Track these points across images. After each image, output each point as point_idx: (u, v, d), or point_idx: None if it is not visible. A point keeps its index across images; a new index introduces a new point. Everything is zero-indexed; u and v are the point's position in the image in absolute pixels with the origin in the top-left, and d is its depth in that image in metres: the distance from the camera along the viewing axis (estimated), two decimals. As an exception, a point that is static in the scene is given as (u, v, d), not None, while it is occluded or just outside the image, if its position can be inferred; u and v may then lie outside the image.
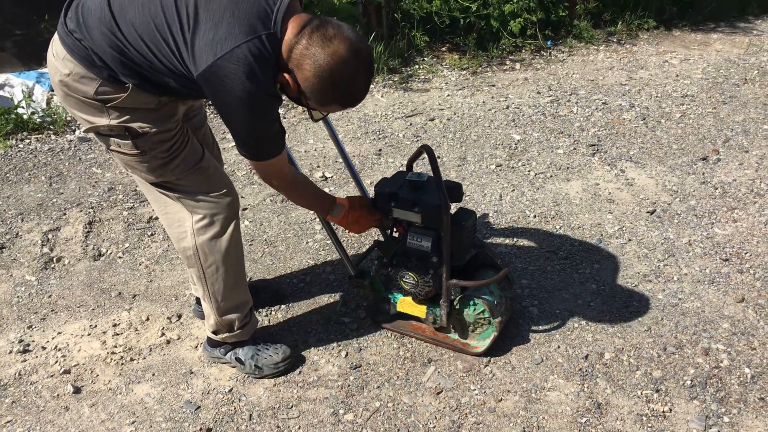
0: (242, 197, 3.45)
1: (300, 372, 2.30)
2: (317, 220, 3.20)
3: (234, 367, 2.30)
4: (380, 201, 2.27)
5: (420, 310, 2.35)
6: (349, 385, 2.24)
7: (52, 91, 4.43)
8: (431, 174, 2.16)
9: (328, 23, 1.74)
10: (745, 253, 2.85)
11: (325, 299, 2.67)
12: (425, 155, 2.11)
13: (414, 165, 2.44)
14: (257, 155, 1.90)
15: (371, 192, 2.40)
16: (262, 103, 1.76)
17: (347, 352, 2.38)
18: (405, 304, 2.38)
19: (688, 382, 2.20)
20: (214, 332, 2.25)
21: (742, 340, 2.37)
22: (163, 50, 1.77)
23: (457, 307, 2.30)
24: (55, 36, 1.88)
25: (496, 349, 2.33)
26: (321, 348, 2.40)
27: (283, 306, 2.62)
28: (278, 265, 2.90)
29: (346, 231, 3.08)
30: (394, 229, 2.39)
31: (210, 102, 1.83)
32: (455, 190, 2.27)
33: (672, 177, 3.50)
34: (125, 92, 1.84)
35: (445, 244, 2.14)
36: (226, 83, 1.70)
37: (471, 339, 2.35)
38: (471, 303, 2.28)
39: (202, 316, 2.49)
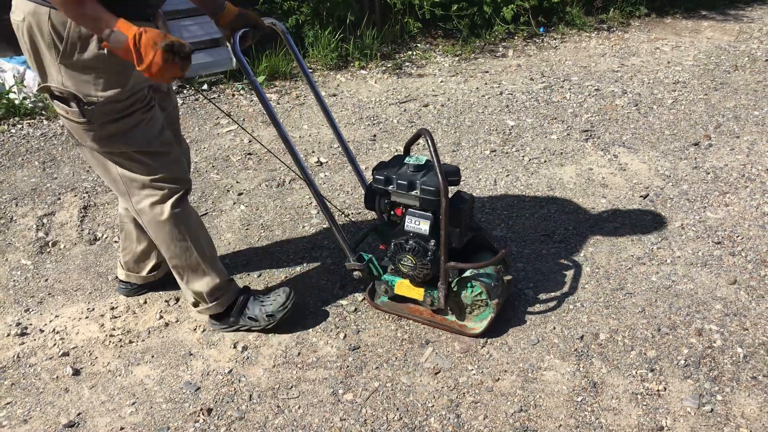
0: (237, 182, 3.46)
1: (299, 353, 2.31)
2: (313, 204, 3.21)
3: (250, 329, 2.38)
4: (379, 184, 2.28)
5: (418, 293, 2.37)
6: (348, 366, 2.26)
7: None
8: (428, 158, 2.17)
9: None
10: (737, 236, 2.89)
11: (322, 282, 2.68)
12: (422, 139, 2.12)
13: (411, 149, 2.44)
14: None
15: (368, 177, 2.41)
16: None
17: (345, 334, 2.39)
18: (403, 286, 2.40)
19: (682, 362, 2.23)
20: (194, 305, 2.35)
21: (735, 320, 2.41)
22: None
23: (455, 289, 2.32)
24: None
25: (493, 331, 2.36)
26: (319, 330, 2.42)
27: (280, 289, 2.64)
28: (275, 249, 2.91)
29: (342, 215, 3.09)
30: (392, 213, 2.40)
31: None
32: (453, 174, 2.28)
33: (664, 162, 3.54)
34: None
35: (443, 226, 2.15)
36: None
37: (468, 320, 2.37)
38: (468, 285, 2.30)
39: (125, 293, 2.61)
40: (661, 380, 2.17)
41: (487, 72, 4.93)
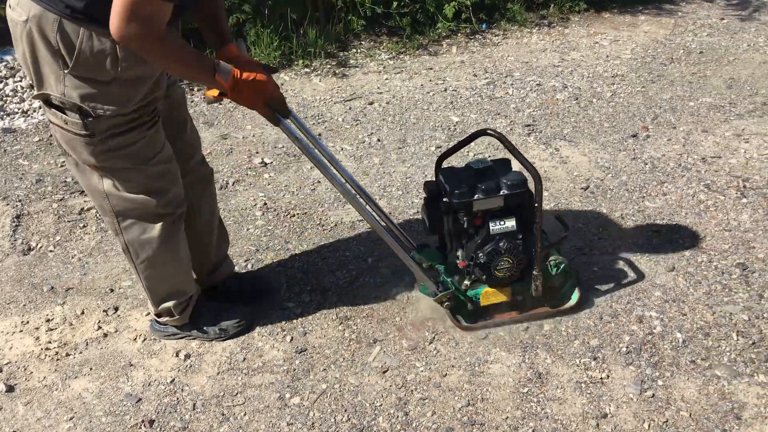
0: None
1: (244, 359, 2.27)
2: (258, 206, 3.16)
3: (195, 338, 2.32)
4: (462, 198, 2.20)
5: (504, 295, 2.35)
6: (294, 369, 2.22)
7: (-28, 81, 4.22)
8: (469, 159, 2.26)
9: None
10: (675, 225, 2.96)
11: (267, 285, 2.64)
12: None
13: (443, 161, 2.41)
14: None
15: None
16: None
17: (292, 337, 2.36)
18: (487, 296, 2.35)
19: (624, 349, 2.28)
20: (158, 315, 2.26)
21: (674, 306, 2.47)
22: None
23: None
24: None
25: (441, 326, 2.36)
26: (265, 334, 2.38)
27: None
28: (218, 252, 2.85)
29: (289, 216, 3.05)
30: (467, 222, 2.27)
31: None
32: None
33: (604, 154, 3.61)
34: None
35: (538, 212, 2.19)
36: None
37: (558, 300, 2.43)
38: (550, 265, 2.34)
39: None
40: (604, 368, 2.20)
41: (431, 69, 4.95)
